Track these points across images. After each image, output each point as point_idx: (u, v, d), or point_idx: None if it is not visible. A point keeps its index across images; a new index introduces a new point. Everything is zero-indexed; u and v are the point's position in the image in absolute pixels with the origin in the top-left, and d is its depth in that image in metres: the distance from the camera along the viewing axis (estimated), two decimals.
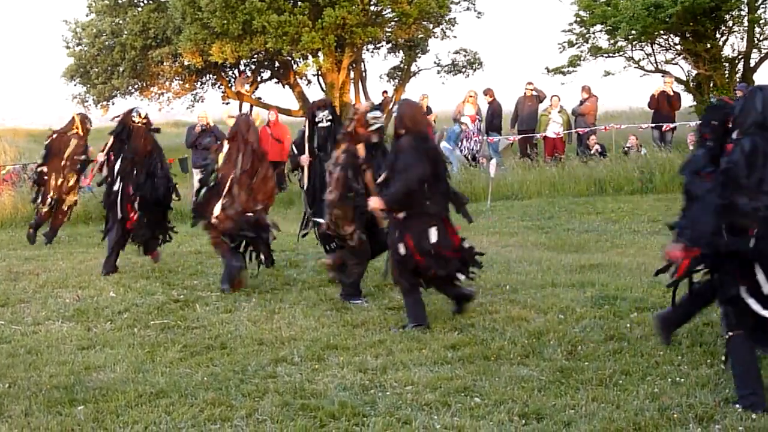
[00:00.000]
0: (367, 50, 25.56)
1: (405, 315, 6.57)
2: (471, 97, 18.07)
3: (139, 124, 8.85)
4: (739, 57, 19.15)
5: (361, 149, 7.13)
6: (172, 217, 9.39)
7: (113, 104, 26.82)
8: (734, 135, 4.75)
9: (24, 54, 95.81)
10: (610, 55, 20.00)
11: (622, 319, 6.38)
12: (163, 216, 9.07)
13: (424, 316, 6.44)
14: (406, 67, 26.00)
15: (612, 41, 19.70)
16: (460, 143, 17.74)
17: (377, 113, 7.12)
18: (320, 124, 7.84)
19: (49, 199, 11.45)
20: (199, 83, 27.22)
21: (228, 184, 7.84)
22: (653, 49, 20.04)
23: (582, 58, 20.09)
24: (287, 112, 25.16)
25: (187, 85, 26.69)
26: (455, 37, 25.63)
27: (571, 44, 20.31)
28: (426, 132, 6.58)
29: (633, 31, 18.36)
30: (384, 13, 22.64)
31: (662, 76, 18.51)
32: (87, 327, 6.80)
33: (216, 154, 8.23)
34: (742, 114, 4.72)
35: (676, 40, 19.66)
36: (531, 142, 18.10)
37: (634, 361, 5.38)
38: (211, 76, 26.76)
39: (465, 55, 25.65)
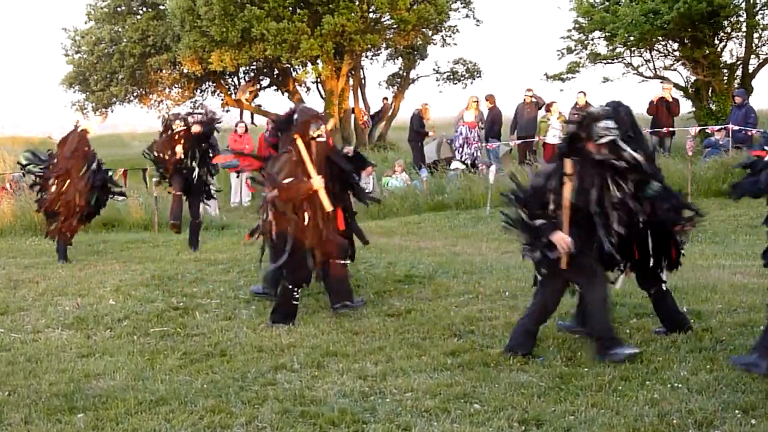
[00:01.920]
0: (366, 57, 25.60)
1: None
2: (474, 102, 18.11)
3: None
4: (738, 63, 19.20)
5: (569, 165, 5.63)
6: None
7: (112, 111, 26.90)
8: None
9: (23, 62, 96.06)
10: (609, 61, 20.06)
11: (621, 326, 6.38)
12: None
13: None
14: (405, 73, 26.03)
15: (610, 47, 19.75)
16: (459, 149, 17.74)
17: (610, 123, 5.52)
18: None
19: None
20: (198, 91, 27.23)
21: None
22: (652, 56, 20.11)
23: (581, 65, 20.14)
24: None
25: (186, 93, 26.70)
26: (455, 44, 25.60)
27: (569, 50, 20.37)
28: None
29: (631, 38, 18.42)
30: (383, 19, 22.69)
31: (661, 83, 18.54)
32: (87, 335, 6.79)
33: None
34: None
35: (675, 46, 19.72)
36: (530, 149, 18.12)
37: (634, 367, 5.39)
38: (210, 83, 26.78)
39: (464, 65, 25.66)
